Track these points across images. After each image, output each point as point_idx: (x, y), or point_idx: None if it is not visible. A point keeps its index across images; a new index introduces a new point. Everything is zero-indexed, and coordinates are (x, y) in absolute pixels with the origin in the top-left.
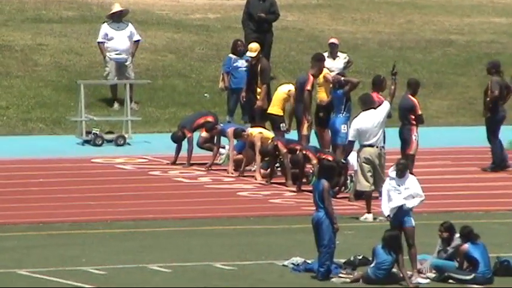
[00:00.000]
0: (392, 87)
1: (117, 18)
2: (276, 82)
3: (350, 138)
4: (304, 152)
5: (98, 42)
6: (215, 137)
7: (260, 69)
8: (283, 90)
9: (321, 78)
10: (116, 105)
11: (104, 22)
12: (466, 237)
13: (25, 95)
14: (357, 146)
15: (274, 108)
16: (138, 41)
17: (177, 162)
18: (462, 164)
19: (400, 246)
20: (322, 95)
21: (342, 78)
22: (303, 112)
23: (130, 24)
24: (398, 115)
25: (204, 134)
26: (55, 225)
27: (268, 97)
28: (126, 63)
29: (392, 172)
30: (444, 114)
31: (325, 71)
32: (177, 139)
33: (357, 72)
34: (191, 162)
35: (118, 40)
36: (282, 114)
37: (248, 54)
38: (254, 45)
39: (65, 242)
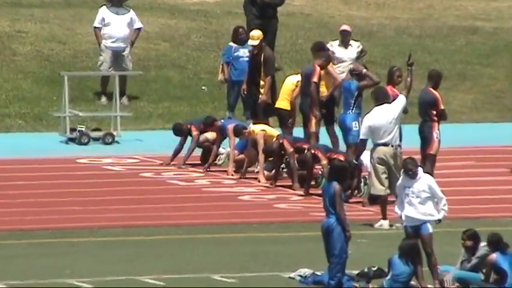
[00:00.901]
0: (409, 79)
1: (117, 2)
2: (281, 74)
3: (362, 136)
4: (312, 151)
5: (94, 27)
6: (217, 137)
7: (263, 59)
8: (292, 82)
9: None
10: (104, 99)
11: (102, 5)
12: (495, 246)
13: (2, 88)
14: (369, 145)
15: (283, 103)
16: (140, 28)
17: (172, 163)
18: (488, 165)
19: (419, 256)
20: (321, 90)
21: (364, 70)
22: (310, 107)
23: (131, 10)
24: (418, 110)
25: (208, 134)
26: (36, 233)
27: (273, 90)
28: (124, 53)
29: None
30: (468, 110)
31: None
32: (181, 131)
33: (372, 62)
34: (187, 162)
35: (116, 26)
36: (290, 109)
37: (250, 42)
38: (256, 33)
39: (47, 252)
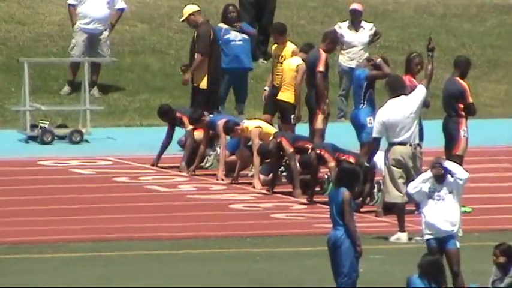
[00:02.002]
0: (429, 66)
1: None
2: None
3: (375, 134)
4: (317, 152)
5: (68, 5)
6: (204, 136)
7: (196, 36)
8: (291, 67)
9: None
10: (66, 88)
11: None
12: None
13: None
14: (384, 144)
15: (285, 94)
16: (122, 9)
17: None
18: None
19: (443, 275)
20: None
21: (379, 59)
22: (317, 100)
23: None
24: (442, 104)
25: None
26: None
27: (214, 78)
28: (101, 37)
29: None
30: (501, 102)
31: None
32: (167, 114)
33: (387, 47)
34: (168, 164)
35: (93, 5)
36: (294, 102)
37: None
38: (186, 8)
39: (2, 270)
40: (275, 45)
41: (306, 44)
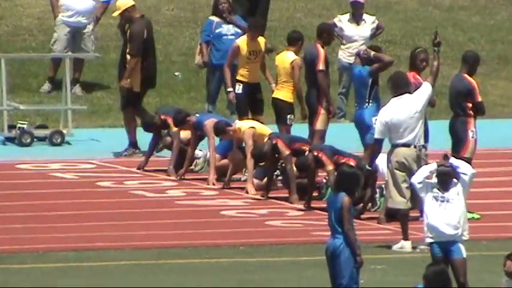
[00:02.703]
0: (435, 63)
1: None
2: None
3: (377, 135)
4: (315, 154)
5: None
6: (192, 137)
7: (129, 35)
8: (285, 63)
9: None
10: (46, 86)
11: None
12: None
13: None
14: (387, 146)
15: (281, 92)
16: (108, 2)
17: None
18: None
19: (449, 286)
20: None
21: (372, 52)
22: (318, 99)
23: None
24: (449, 102)
25: (181, 133)
26: None
27: (148, 78)
28: (85, 31)
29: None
30: None
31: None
32: (154, 126)
33: (389, 42)
34: (152, 167)
35: None
36: (292, 100)
37: (113, 14)
38: (120, 2)
39: None
40: (250, 41)
41: (294, 32)
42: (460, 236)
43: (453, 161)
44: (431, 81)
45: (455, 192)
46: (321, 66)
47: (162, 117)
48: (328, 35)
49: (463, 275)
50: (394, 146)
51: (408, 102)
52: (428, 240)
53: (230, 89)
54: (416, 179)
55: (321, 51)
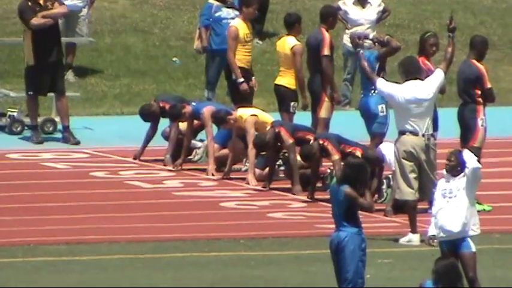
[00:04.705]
0: (449, 48)
1: None
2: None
3: (380, 80)
4: (321, 143)
5: None
6: (188, 126)
7: None
8: (286, 49)
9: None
10: None
11: None
12: None
13: None
14: (393, 135)
15: (285, 79)
16: None
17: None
18: None
19: (461, 281)
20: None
21: (387, 36)
22: (323, 86)
23: None
24: (457, 89)
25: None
26: None
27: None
28: (80, 14)
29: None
30: None
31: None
32: (152, 115)
33: (397, 26)
34: (152, 157)
35: None
36: (295, 87)
37: None
38: None
39: None
40: (247, 24)
41: (289, 15)
42: (468, 232)
43: (464, 154)
44: (444, 67)
45: (462, 186)
46: (326, 51)
47: (161, 104)
48: (334, 18)
49: (472, 270)
50: (401, 133)
51: (419, 89)
52: (438, 236)
53: (242, 79)
54: None
55: (326, 36)
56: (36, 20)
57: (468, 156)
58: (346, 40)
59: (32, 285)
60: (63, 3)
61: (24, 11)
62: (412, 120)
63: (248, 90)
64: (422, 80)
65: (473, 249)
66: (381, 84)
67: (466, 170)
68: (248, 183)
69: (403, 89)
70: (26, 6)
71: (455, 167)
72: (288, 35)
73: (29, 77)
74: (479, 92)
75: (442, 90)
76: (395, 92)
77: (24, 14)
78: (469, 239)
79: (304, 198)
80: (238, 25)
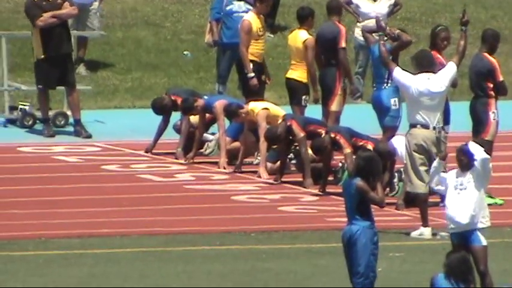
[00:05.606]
0: (462, 42)
1: None
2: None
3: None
4: (332, 136)
5: None
6: (200, 119)
7: None
8: (297, 43)
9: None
10: None
11: None
12: None
13: None
14: (404, 128)
15: (297, 72)
16: None
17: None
18: None
19: (473, 274)
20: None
21: (397, 30)
22: (337, 78)
23: None
24: (469, 83)
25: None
26: None
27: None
28: (91, 8)
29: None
30: None
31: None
32: (164, 108)
33: (408, 20)
34: (163, 151)
35: None
36: (307, 80)
37: None
38: None
39: None
40: (260, 18)
41: (302, 9)
42: (476, 224)
43: (471, 147)
44: (456, 61)
45: (472, 179)
46: (343, 43)
47: (173, 97)
48: (341, 10)
49: (483, 263)
50: (412, 126)
51: (431, 82)
52: (450, 230)
53: (252, 74)
54: (433, 184)
55: (343, 28)
56: (42, 21)
57: (475, 148)
58: (358, 33)
59: (43, 278)
60: (74, 4)
61: (30, 9)
62: (424, 113)
63: (257, 85)
64: (435, 73)
65: (484, 242)
66: (398, 73)
67: (475, 162)
68: (260, 177)
69: (417, 80)
70: (31, 3)
71: (468, 164)
72: (299, 28)
73: (38, 71)
74: (491, 86)
75: (453, 84)
76: (410, 83)
77: (30, 12)
78: (478, 232)
79: (316, 191)
80: (252, 19)
